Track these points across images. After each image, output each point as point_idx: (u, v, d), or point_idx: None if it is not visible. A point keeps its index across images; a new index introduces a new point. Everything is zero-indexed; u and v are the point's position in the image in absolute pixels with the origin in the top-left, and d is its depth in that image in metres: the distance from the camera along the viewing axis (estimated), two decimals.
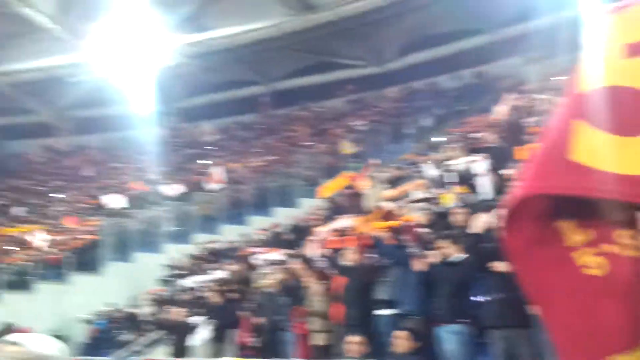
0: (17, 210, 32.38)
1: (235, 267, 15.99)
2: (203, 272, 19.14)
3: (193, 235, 25.28)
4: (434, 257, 9.42)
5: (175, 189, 28.67)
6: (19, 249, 26.34)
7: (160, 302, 19.01)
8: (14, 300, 24.02)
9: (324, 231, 14.05)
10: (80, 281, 24.36)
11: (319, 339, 10.93)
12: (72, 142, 40.41)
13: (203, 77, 37.04)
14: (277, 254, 15.24)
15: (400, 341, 8.52)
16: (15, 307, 23.28)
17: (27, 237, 26.90)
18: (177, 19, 33.69)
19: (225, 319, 13.45)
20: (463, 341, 8.86)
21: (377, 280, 10.19)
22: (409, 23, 32.13)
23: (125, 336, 18.86)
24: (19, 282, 24.68)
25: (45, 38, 35.70)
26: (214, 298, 14.06)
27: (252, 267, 15.39)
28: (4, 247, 26.96)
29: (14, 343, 2.72)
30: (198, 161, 32.31)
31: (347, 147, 26.65)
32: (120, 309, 21.43)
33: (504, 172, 12.00)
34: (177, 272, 21.83)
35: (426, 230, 10.87)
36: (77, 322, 21.99)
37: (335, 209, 16.92)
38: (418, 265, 9.48)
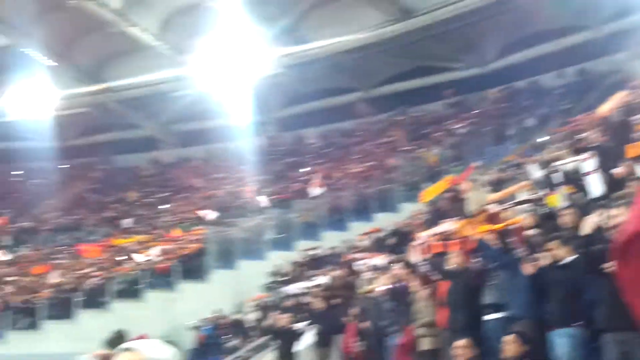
0: (126, 222, 33.47)
1: (338, 273, 16.00)
2: (306, 278, 19.26)
3: (295, 242, 25.49)
4: (543, 259, 9.13)
5: (276, 197, 29.02)
6: (129, 258, 27.18)
7: (265, 308, 19.23)
8: (125, 308, 24.79)
9: (426, 236, 13.89)
10: (187, 289, 24.94)
11: (425, 344, 10.78)
12: (176, 154, 41.52)
13: (301, 86, 37.37)
14: (380, 260, 15.17)
15: (510, 345, 8.28)
16: (126, 315, 24.02)
17: (137, 247, 27.75)
18: (276, 31, 34.18)
19: (329, 325, 13.46)
20: (576, 345, 8.54)
21: (483, 284, 9.95)
22: (509, 22, 31.46)
23: (231, 342, 19.16)
24: (130, 291, 25.46)
25: (150, 55, 36.90)
26: (318, 304, 14.09)
27: (355, 273, 15.37)
28: (115, 258, 27.90)
29: (129, 349, 2.79)
30: (298, 169, 32.59)
31: (432, 156, 26.34)
32: (225, 315, 21.80)
33: (612, 170, 11.56)
34: (280, 278, 22.05)
35: (533, 232, 10.57)
36: (185, 328, 22.51)
37: (437, 213, 16.70)
38: (528, 269, 9.20)
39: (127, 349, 2.78)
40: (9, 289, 27.18)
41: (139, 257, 26.66)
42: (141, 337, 8.69)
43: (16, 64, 37.04)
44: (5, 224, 36.38)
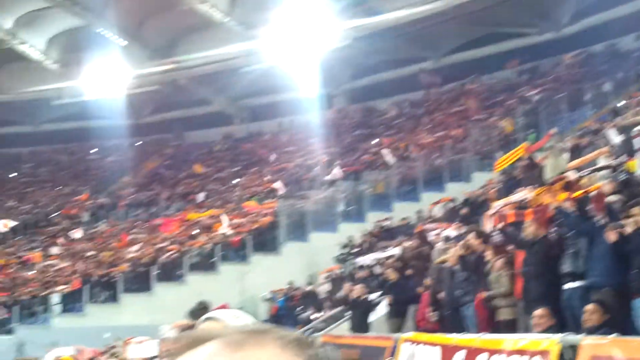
0: (200, 196, 33.95)
1: (410, 243, 15.85)
2: (378, 249, 19.17)
3: (366, 213, 25.40)
4: (627, 226, 8.79)
5: (347, 169, 28.95)
6: (203, 232, 27.59)
7: (337, 280, 19.24)
8: (200, 280, 25.19)
9: (501, 205, 13.61)
10: (260, 261, 25.18)
11: (502, 314, 10.59)
12: (247, 128, 41.82)
13: (370, 58, 37.05)
14: (453, 230, 14.95)
15: (591, 314, 8.03)
16: (201, 288, 24.38)
17: (212, 221, 28.12)
18: (344, 4, 33.91)
19: (403, 295, 13.38)
20: None
21: (561, 253, 9.67)
22: None
23: (304, 313, 19.26)
24: (204, 264, 25.86)
25: (219, 31, 37.13)
26: (391, 275, 14.00)
27: (428, 243, 15.20)
28: (189, 232, 28.36)
29: (212, 318, 2.79)
30: (368, 141, 32.41)
31: (507, 124, 25.75)
32: (298, 287, 21.94)
33: None
34: (352, 250, 22.02)
35: (613, 199, 10.21)
36: (258, 300, 22.76)
37: (512, 182, 16.34)
38: (611, 236, 8.88)
39: (209, 319, 2.81)
40: (88, 263, 27.96)
41: (213, 230, 27.03)
42: (222, 307, 8.78)
43: (90, 45, 37.79)
44: (86, 199, 37.40)
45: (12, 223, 35.08)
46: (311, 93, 35.58)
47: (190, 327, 4.51)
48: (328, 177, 28.90)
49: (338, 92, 38.85)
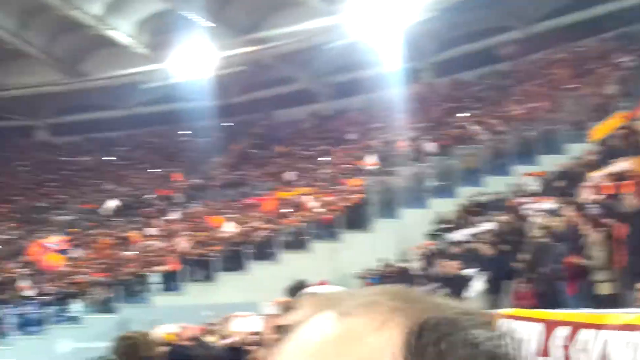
0: (289, 175, 34.30)
1: (505, 218, 15.65)
2: (471, 224, 18.99)
3: (458, 188, 25.17)
4: None
5: (436, 143, 28.69)
6: (294, 211, 27.91)
7: (430, 256, 19.17)
8: (293, 259, 25.53)
9: (598, 176, 13.27)
10: (352, 239, 25.30)
11: (602, 288, 10.37)
12: (334, 106, 41.88)
13: (455, 29, 36.49)
14: (549, 203, 14.68)
15: None
16: (293, 266, 24.72)
17: (302, 199, 28.41)
18: None
19: (499, 271, 13.25)
20: None
21: None
22: None
23: None
24: (296, 242, 26.18)
25: (302, 7, 37.24)
26: (486, 250, 13.88)
27: (522, 218, 14.98)
28: (280, 211, 28.73)
29: (313, 295, 2.85)
30: (457, 114, 31.99)
31: (612, 89, 24.91)
32: (391, 264, 21.96)
33: None
34: (444, 226, 21.88)
35: None
36: (351, 278, 22.90)
37: (609, 152, 15.88)
38: None
39: (310, 294, 2.83)
40: (184, 243, 28.70)
41: (303, 209, 27.31)
42: (322, 284, 8.93)
43: (177, 28, 38.50)
44: (180, 180, 38.33)
45: (115, 204, 36.41)
46: (396, 68, 35.31)
47: (291, 304, 4.60)
48: (417, 153, 28.73)
49: (423, 66, 38.43)
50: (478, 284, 13.71)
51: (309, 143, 38.26)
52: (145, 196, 37.60)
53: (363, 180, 28.10)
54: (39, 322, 26.70)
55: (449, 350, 0.75)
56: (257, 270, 25.79)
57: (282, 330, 2.85)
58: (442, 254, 18.07)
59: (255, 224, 27.93)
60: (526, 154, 24.67)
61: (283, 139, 40.13)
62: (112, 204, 36.45)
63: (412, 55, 35.94)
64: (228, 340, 11.34)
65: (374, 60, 36.72)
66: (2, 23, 41.09)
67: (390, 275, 21.02)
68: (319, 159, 35.36)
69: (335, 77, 41.80)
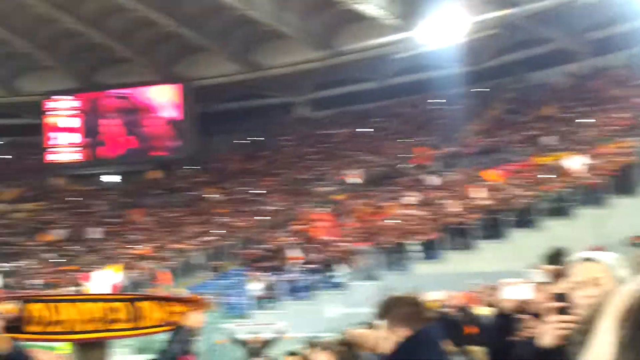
0: (547, 139, 33.08)
1: None
2: None
3: None
4: None
5: None
6: (555, 176, 26.93)
7: None
8: (554, 226, 24.70)
9: None
10: (620, 204, 23.93)
11: None
12: (593, 64, 39.62)
13: None
14: None
15: None
16: (554, 233, 23.92)
17: (563, 164, 27.31)
18: None
19: None
20: None
21: None
22: None
23: None
24: (558, 209, 25.28)
25: None
26: None
27: None
28: (540, 176, 27.86)
29: (589, 259, 2.79)
30: None
31: None
32: None
33: None
34: None
35: None
36: (619, 245, 21.67)
37: None
38: None
39: (586, 259, 2.78)
40: (443, 211, 28.84)
41: (566, 174, 26.26)
42: (598, 249, 8.60)
43: None
44: (434, 149, 38.49)
45: (361, 175, 37.50)
46: None
47: (560, 271, 4.48)
48: None
49: None
50: None
51: (567, 105, 36.58)
52: (401, 165, 38.22)
53: (631, 142, 26.37)
54: (307, 288, 28.33)
55: None
56: (518, 238, 25.32)
57: (558, 297, 2.77)
58: None
59: (514, 190, 27.34)
60: None
61: (539, 102, 38.73)
62: (357, 175, 37.47)
63: None
64: (498, 309, 11.22)
65: (635, 14, 34.19)
66: (260, 6, 43.51)
67: None
68: (578, 120, 33.73)
69: (593, 33, 39.46)
